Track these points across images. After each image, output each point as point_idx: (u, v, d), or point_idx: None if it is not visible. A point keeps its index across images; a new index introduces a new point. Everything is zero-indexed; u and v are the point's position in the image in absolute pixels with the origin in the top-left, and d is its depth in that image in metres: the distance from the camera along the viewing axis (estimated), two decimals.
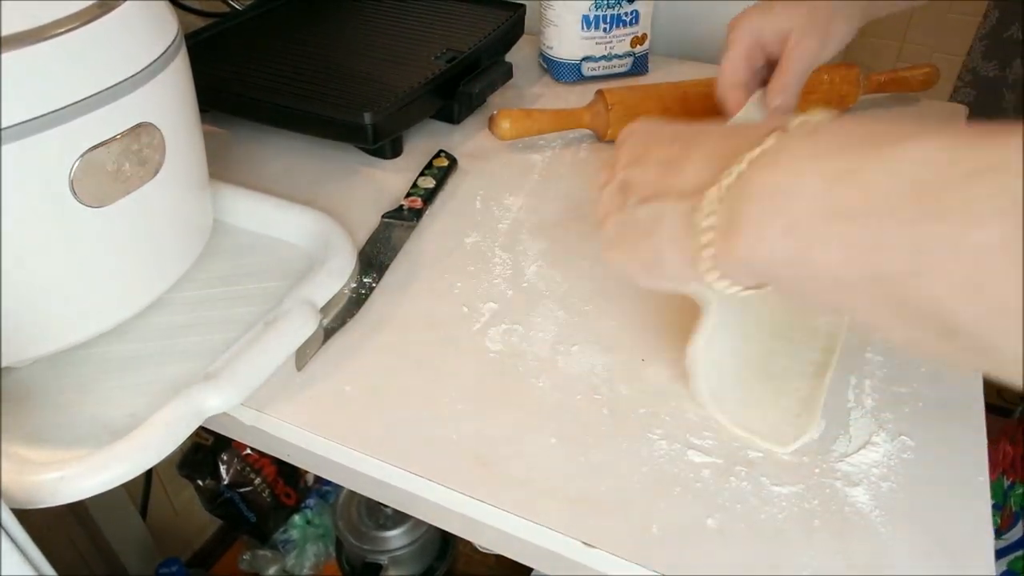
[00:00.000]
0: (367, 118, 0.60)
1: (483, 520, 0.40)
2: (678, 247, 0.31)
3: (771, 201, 0.28)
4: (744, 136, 0.30)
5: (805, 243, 0.27)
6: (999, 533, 0.62)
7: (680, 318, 0.49)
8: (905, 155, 0.25)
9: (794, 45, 0.52)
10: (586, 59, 0.77)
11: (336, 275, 0.50)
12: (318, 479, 1.27)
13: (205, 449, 1.14)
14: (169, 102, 0.43)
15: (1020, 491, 0.66)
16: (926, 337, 0.25)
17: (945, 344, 0.25)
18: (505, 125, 0.65)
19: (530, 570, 0.77)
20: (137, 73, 0.40)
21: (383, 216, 0.58)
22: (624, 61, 0.79)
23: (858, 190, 0.26)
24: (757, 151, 0.29)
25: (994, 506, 0.59)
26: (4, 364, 0.43)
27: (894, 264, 0.24)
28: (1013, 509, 0.66)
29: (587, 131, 0.70)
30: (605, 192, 0.37)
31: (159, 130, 0.42)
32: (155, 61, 0.41)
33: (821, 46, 0.52)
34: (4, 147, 0.35)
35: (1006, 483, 0.65)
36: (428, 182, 0.61)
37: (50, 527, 0.94)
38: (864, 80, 0.68)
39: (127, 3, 0.39)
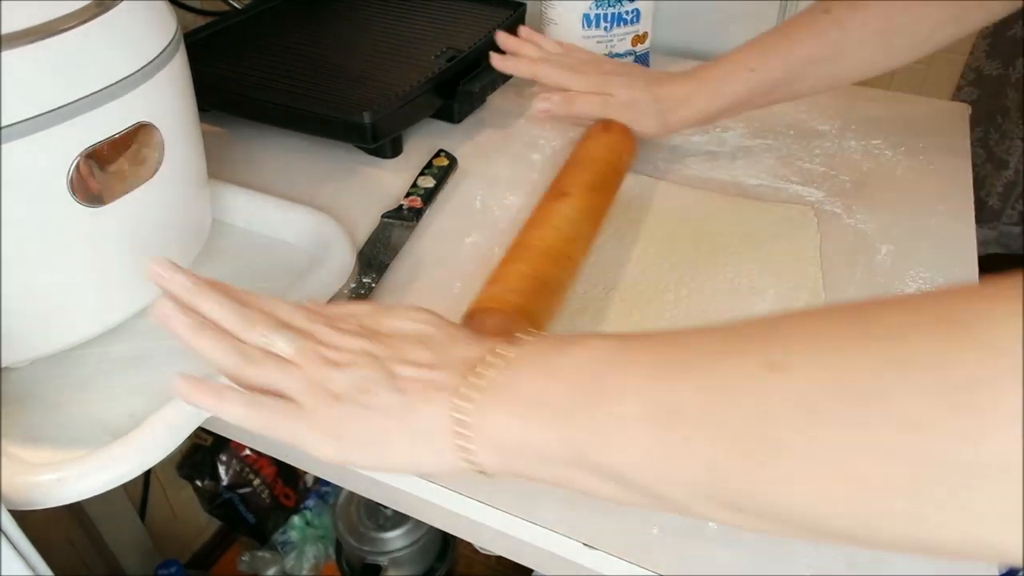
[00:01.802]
0: (367, 118, 0.60)
1: (483, 521, 0.40)
2: (435, 439, 0.32)
3: (504, 394, 0.32)
4: (493, 345, 0.33)
5: (526, 426, 0.31)
6: None
7: (680, 318, 0.49)
8: (582, 352, 0.31)
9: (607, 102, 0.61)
10: None
11: (336, 275, 0.50)
12: (317, 480, 1.26)
13: (204, 450, 1.13)
14: (168, 101, 0.43)
15: None
16: (624, 494, 0.30)
17: (632, 498, 0.30)
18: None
19: (530, 571, 0.77)
20: (136, 72, 0.39)
21: (383, 216, 0.58)
22: (625, 60, 0.78)
23: (556, 381, 0.31)
24: (503, 357, 0.33)
25: None
26: (4, 364, 0.43)
27: (581, 438, 0.29)
28: None
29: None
30: (353, 372, 0.33)
31: (158, 129, 0.42)
32: (154, 60, 0.41)
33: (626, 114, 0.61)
34: (3, 146, 0.35)
35: None
36: (428, 182, 0.61)
37: (48, 528, 0.94)
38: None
39: (125, 2, 0.39)
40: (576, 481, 0.31)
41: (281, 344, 0.34)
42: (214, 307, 0.35)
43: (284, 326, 0.35)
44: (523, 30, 0.67)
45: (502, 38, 0.65)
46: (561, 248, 0.49)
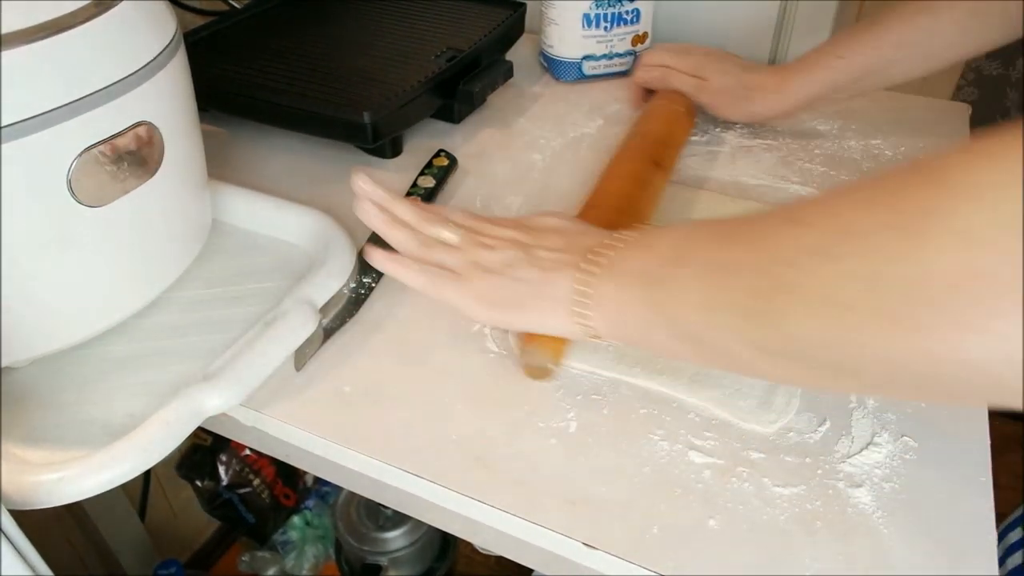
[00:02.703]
0: (367, 117, 0.60)
1: (483, 521, 0.40)
2: (561, 306, 0.41)
3: (625, 269, 0.39)
4: (616, 235, 0.42)
5: (626, 293, 0.38)
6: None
7: None
8: (671, 232, 0.40)
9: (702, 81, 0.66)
10: (587, 58, 0.77)
11: (336, 275, 0.50)
12: (317, 480, 1.26)
13: (204, 450, 1.13)
14: (168, 101, 0.43)
15: None
16: (692, 349, 0.37)
17: (698, 351, 0.38)
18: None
19: (530, 571, 0.77)
20: (135, 72, 0.39)
21: None
22: (625, 60, 0.79)
23: (651, 255, 0.39)
24: (623, 242, 0.41)
25: None
26: (4, 364, 0.43)
27: (660, 296, 0.37)
28: None
29: (587, 131, 0.70)
30: (503, 253, 0.43)
31: (158, 129, 0.42)
32: (153, 60, 0.41)
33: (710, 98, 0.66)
34: (3, 146, 0.35)
35: None
36: (428, 182, 0.61)
37: (48, 528, 0.94)
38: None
39: (125, 2, 0.39)
40: (661, 341, 0.38)
41: (447, 234, 0.45)
42: (401, 210, 0.46)
43: (451, 223, 0.46)
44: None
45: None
46: (632, 209, 0.54)
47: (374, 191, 0.47)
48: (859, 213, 0.30)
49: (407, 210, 0.46)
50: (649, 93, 0.70)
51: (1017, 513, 0.58)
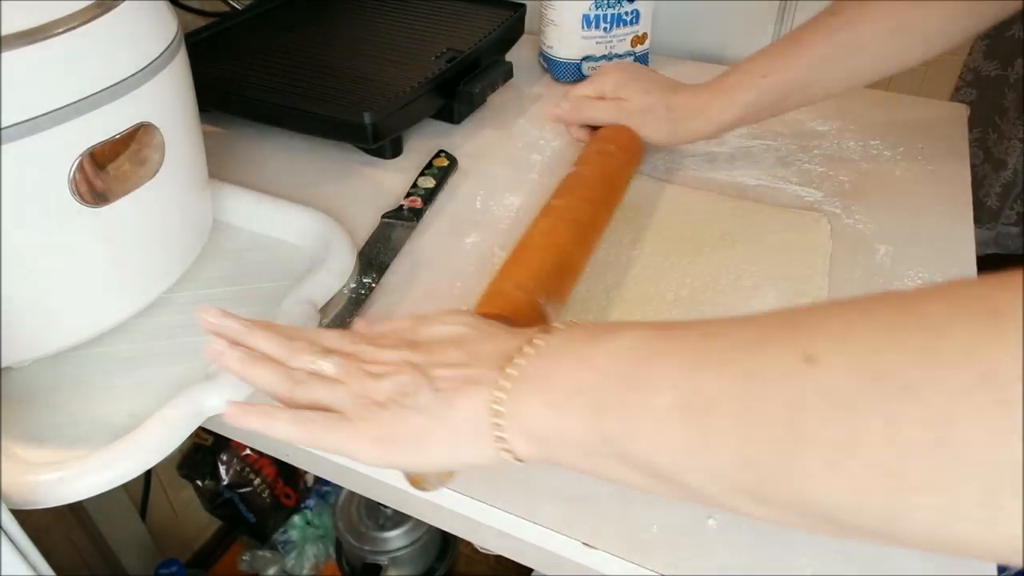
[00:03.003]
0: (367, 118, 0.60)
1: (483, 521, 0.40)
2: (473, 432, 0.34)
3: (537, 384, 0.33)
4: (525, 337, 0.35)
5: (559, 415, 0.32)
6: None
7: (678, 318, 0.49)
8: (617, 342, 0.32)
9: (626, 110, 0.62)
10: (586, 59, 0.77)
11: (336, 275, 0.50)
12: (318, 479, 1.26)
13: (204, 449, 1.13)
14: (169, 102, 0.43)
15: None
16: (652, 484, 0.31)
17: (661, 487, 0.31)
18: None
19: (530, 570, 0.77)
20: (136, 73, 0.40)
21: (383, 216, 0.58)
22: (625, 60, 0.79)
23: (590, 371, 0.31)
24: (536, 347, 0.34)
25: None
26: (4, 364, 0.43)
27: (613, 428, 0.30)
28: None
29: (587, 130, 0.70)
30: (393, 380, 0.35)
31: (159, 130, 0.42)
32: (154, 61, 0.41)
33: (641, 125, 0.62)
34: (4, 147, 0.35)
35: None
36: (428, 182, 0.61)
37: (49, 527, 0.94)
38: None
39: (126, 3, 0.39)
40: (608, 470, 0.32)
41: (325, 365, 0.36)
42: (262, 342, 0.38)
43: (327, 351, 0.37)
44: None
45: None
46: (565, 246, 0.49)
47: (222, 322, 0.38)
48: (897, 355, 0.24)
49: (268, 340, 0.37)
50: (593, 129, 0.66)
51: None
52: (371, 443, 0.35)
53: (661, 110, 0.61)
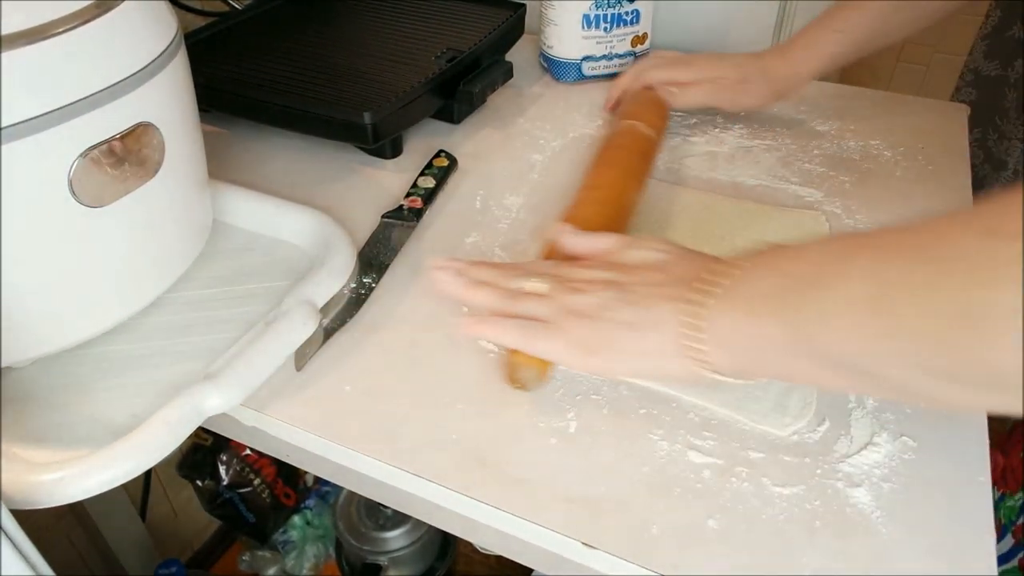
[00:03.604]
0: (367, 118, 0.60)
1: (483, 521, 0.40)
2: (669, 343, 0.38)
3: (740, 294, 0.36)
4: (723, 261, 0.39)
5: (757, 321, 0.35)
6: None
7: None
8: (806, 249, 0.36)
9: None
10: (586, 59, 0.77)
11: (336, 275, 0.50)
12: (318, 479, 1.26)
13: (204, 449, 1.13)
14: (168, 102, 0.43)
15: (1010, 503, 0.66)
16: (848, 380, 0.34)
17: (855, 382, 0.34)
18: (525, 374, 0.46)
19: (530, 571, 0.77)
20: (136, 72, 0.40)
21: (383, 216, 0.58)
22: (625, 61, 0.79)
23: (783, 276, 0.35)
24: (735, 268, 0.37)
25: None
26: (4, 364, 0.43)
27: (809, 326, 0.33)
28: (1002, 521, 0.66)
29: (587, 131, 0.70)
30: (596, 294, 0.40)
31: (158, 130, 0.42)
32: (154, 60, 0.41)
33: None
34: (3, 146, 0.35)
35: (996, 495, 0.65)
36: (428, 182, 0.61)
37: (49, 527, 0.94)
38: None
39: (126, 2, 0.39)
40: (804, 371, 0.35)
41: (533, 284, 0.43)
42: (480, 271, 0.44)
43: (535, 273, 0.43)
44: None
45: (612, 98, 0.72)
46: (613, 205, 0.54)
47: (449, 263, 0.45)
48: None
49: (484, 270, 0.45)
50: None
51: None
52: (574, 348, 0.40)
53: (757, 76, 0.66)
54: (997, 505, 0.63)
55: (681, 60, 0.69)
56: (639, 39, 0.78)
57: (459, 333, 0.43)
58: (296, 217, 0.56)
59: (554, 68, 0.79)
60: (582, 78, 0.78)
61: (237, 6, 0.84)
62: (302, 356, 0.46)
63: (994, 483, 0.60)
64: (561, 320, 0.41)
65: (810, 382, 0.36)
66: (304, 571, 1.19)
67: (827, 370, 0.33)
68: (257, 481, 1.16)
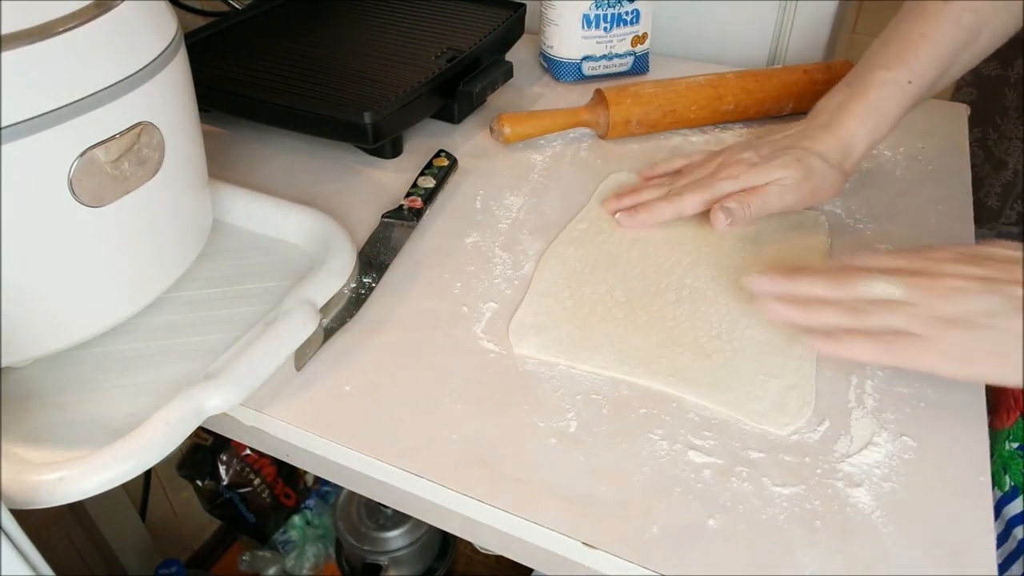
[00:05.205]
0: (367, 118, 0.60)
1: (483, 520, 0.40)
2: None
3: None
4: None
5: None
6: None
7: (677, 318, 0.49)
8: None
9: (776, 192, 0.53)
10: (586, 58, 0.77)
11: (336, 275, 0.50)
12: (318, 479, 1.26)
13: (204, 449, 1.13)
14: (168, 102, 0.43)
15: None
16: None
17: None
18: (507, 130, 0.66)
19: (530, 571, 0.77)
20: (136, 72, 0.40)
21: (383, 216, 0.58)
22: (625, 60, 0.79)
23: None
24: None
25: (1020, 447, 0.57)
26: (4, 364, 0.43)
27: None
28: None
29: (587, 130, 0.70)
30: (975, 299, 0.37)
31: (158, 130, 0.42)
32: (154, 60, 0.41)
33: (796, 201, 0.54)
34: (3, 146, 0.35)
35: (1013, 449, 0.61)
36: (428, 182, 0.61)
37: (49, 527, 0.94)
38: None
39: (126, 2, 0.39)
40: None
41: (883, 288, 0.39)
42: (809, 286, 0.41)
43: (881, 271, 0.40)
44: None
45: (612, 206, 0.59)
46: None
47: (771, 285, 0.43)
48: None
49: (815, 283, 0.41)
50: None
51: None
52: (949, 360, 0.38)
53: (818, 165, 0.53)
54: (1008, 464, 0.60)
55: (717, 174, 0.55)
56: (639, 39, 0.78)
57: (818, 352, 0.42)
58: (296, 217, 0.56)
59: (554, 68, 0.79)
60: (582, 78, 0.78)
61: (237, 6, 0.84)
62: (302, 356, 0.46)
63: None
64: (933, 331, 0.38)
65: None
66: (304, 571, 1.19)
67: None
68: (257, 481, 1.16)
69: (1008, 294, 0.37)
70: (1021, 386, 0.38)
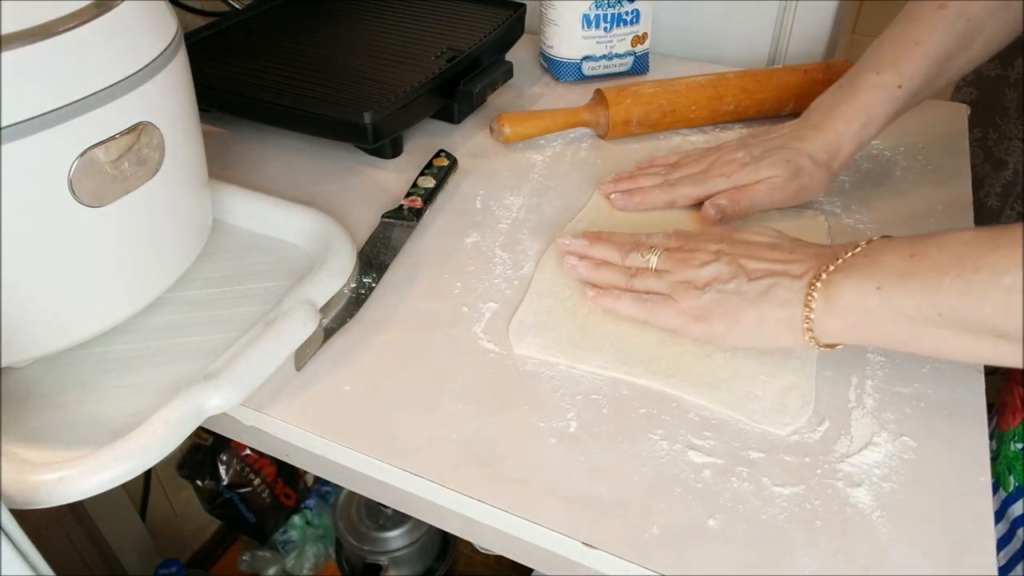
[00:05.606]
0: (367, 118, 0.60)
1: (483, 520, 0.40)
2: (784, 314, 0.42)
3: (865, 272, 0.40)
4: (836, 246, 0.43)
5: (889, 295, 0.39)
6: None
7: None
8: (947, 239, 0.38)
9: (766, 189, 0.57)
10: (586, 58, 0.77)
11: (336, 275, 0.50)
12: (318, 479, 1.26)
13: (204, 449, 1.13)
14: (168, 102, 0.43)
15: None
16: (983, 346, 0.37)
17: (991, 347, 0.37)
18: (507, 130, 0.66)
19: (530, 570, 0.77)
20: (136, 72, 0.40)
21: (383, 216, 0.58)
22: (625, 60, 0.79)
23: (923, 259, 0.38)
24: (854, 251, 0.41)
25: None
26: (4, 364, 0.43)
27: (953, 302, 0.36)
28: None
29: (587, 130, 0.70)
30: (711, 268, 0.45)
31: (158, 130, 0.42)
32: (154, 60, 0.41)
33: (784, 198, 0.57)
34: (3, 146, 0.35)
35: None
36: (428, 182, 0.61)
37: (49, 527, 0.94)
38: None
39: (126, 2, 0.39)
40: (930, 338, 0.38)
41: (652, 259, 0.48)
42: (601, 250, 0.51)
43: (651, 247, 0.49)
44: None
45: (608, 188, 0.61)
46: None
47: (571, 243, 0.52)
48: None
49: (605, 248, 0.50)
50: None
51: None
52: (690, 319, 0.45)
53: (806, 164, 0.55)
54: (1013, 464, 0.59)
55: (712, 170, 0.58)
56: (639, 39, 0.78)
57: (594, 304, 0.49)
58: (296, 217, 0.56)
59: (554, 68, 0.79)
60: (582, 78, 0.78)
61: (237, 6, 0.84)
62: (302, 356, 0.46)
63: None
64: (678, 293, 0.45)
65: (938, 351, 0.39)
66: (304, 571, 1.19)
67: (968, 337, 0.37)
68: (257, 481, 1.16)
69: (738, 264, 0.44)
70: (753, 343, 0.45)
